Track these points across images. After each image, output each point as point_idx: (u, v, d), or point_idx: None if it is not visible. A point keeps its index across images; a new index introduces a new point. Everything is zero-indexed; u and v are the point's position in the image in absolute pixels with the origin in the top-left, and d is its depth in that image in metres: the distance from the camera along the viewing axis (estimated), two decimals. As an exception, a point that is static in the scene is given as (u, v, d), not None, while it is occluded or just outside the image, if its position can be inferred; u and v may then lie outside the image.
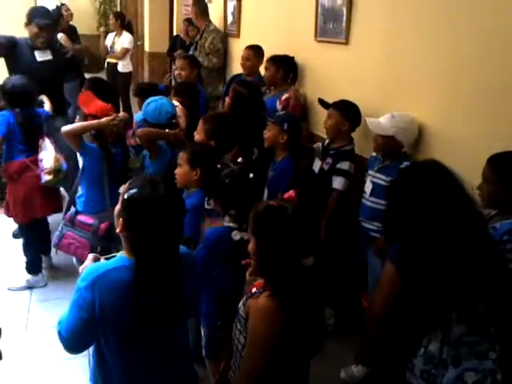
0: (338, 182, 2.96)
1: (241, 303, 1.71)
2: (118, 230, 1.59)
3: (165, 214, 1.55)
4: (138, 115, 3.23)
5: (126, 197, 1.56)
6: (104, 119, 2.84)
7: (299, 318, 1.61)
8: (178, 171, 2.46)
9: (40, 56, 4.07)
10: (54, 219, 3.77)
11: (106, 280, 1.52)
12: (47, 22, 4.03)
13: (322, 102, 3.18)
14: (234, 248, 2.03)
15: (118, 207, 1.61)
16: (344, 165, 2.96)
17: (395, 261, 1.81)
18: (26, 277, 3.58)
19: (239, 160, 2.15)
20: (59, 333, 1.60)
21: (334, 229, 2.97)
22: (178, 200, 1.66)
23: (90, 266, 1.60)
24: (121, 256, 1.60)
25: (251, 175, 2.05)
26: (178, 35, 7.18)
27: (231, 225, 2.09)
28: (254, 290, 1.68)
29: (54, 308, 3.27)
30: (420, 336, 1.74)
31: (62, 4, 7.83)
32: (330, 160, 3.03)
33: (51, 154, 3.34)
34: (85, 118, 3.00)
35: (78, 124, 2.93)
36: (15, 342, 2.97)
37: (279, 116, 3.11)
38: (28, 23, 4.01)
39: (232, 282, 2.06)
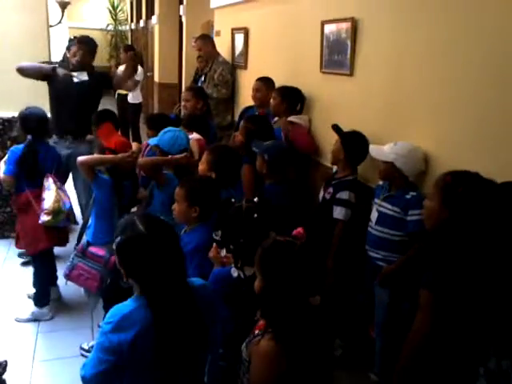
0: (338, 212, 2.96)
1: (244, 345, 1.66)
2: (125, 280, 1.65)
3: (154, 249, 1.58)
4: (151, 140, 3.23)
5: (114, 247, 1.62)
6: (120, 155, 2.91)
7: (302, 364, 1.53)
8: (175, 208, 2.41)
9: (76, 78, 4.22)
10: (66, 250, 3.78)
11: (130, 321, 1.53)
12: (84, 40, 4.33)
13: (337, 128, 3.15)
14: (237, 290, 1.98)
15: (116, 260, 1.66)
16: (343, 194, 2.97)
17: (431, 287, 1.79)
18: (31, 309, 3.54)
19: (255, 199, 2.13)
20: (83, 377, 1.60)
21: (340, 258, 2.97)
22: (165, 230, 1.65)
23: (112, 308, 1.61)
24: (136, 295, 1.62)
25: (255, 215, 2.02)
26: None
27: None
28: (256, 331, 1.62)
29: (61, 339, 3.29)
30: (475, 359, 1.75)
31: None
32: (331, 190, 3.06)
33: (52, 195, 3.35)
34: (101, 147, 3.06)
35: (94, 156, 2.99)
36: (22, 373, 2.96)
37: (263, 146, 3.02)
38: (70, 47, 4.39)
39: (235, 323, 2.00)
